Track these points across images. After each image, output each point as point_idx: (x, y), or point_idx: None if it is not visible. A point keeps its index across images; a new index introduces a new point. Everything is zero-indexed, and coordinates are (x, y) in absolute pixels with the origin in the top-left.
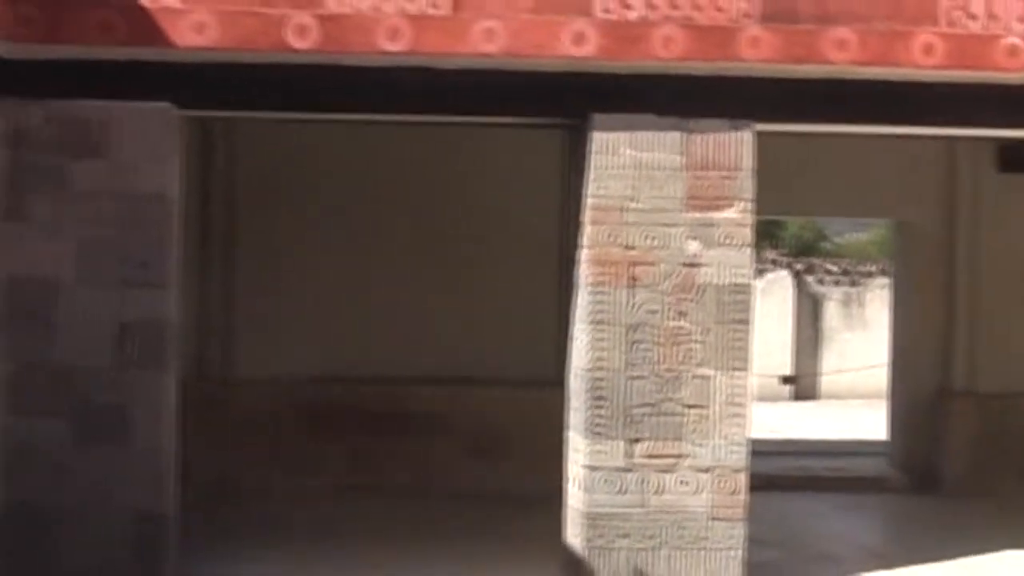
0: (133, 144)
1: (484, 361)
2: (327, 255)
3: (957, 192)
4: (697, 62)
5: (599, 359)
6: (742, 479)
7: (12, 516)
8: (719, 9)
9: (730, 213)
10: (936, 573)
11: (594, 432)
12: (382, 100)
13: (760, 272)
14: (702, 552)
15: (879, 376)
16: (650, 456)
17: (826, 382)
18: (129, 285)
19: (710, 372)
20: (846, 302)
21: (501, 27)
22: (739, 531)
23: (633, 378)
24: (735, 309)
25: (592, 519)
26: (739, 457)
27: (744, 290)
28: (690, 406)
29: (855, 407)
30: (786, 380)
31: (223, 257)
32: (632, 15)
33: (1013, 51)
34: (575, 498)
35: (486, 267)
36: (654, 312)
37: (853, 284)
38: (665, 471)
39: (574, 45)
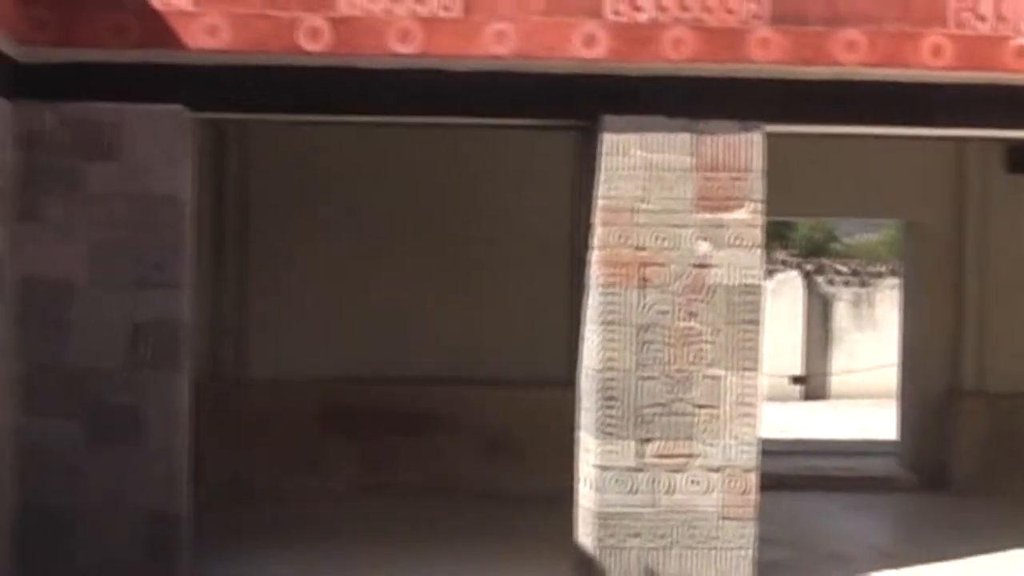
0: (146, 146)
1: (496, 362)
2: (339, 256)
3: (966, 193)
4: (707, 64)
5: (610, 359)
6: (752, 479)
7: (26, 517)
8: (729, 11)
9: (740, 214)
10: (946, 572)
11: (605, 432)
12: (393, 102)
13: (770, 273)
14: (713, 551)
15: (889, 376)
16: (661, 456)
17: (836, 382)
18: (142, 286)
19: (720, 372)
20: (856, 302)
21: (512, 29)
22: (749, 530)
23: (644, 378)
24: (745, 310)
25: (603, 519)
26: (749, 457)
27: (754, 291)
28: (701, 406)
29: (865, 407)
30: (796, 380)
31: (236, 258)
32: (642, 17)
33: (1022, 52)
34: (586, 498)
35: (497, 268)
36: (665, 313)
37: (863, 285)
38: (676, 471)
39: (585, 47)
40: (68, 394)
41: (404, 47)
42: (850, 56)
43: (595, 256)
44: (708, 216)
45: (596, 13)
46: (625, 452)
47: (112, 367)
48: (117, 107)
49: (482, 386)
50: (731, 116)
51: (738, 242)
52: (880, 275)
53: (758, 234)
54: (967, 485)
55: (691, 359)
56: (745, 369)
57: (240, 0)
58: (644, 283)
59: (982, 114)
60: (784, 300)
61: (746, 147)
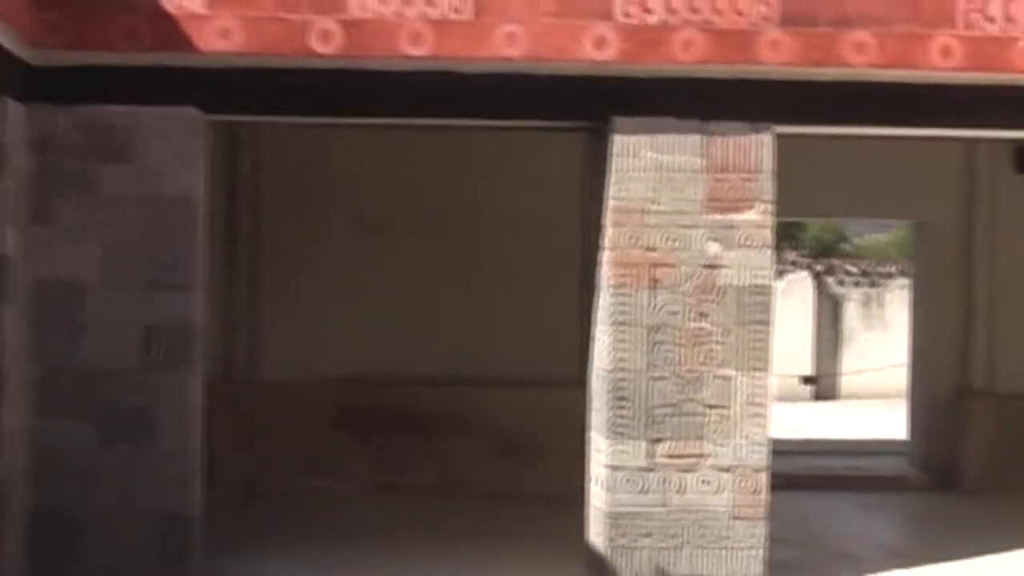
0: (159, 149)
1: (507, 362)
2: (351, 257)
3: (975, 194)
4: (717, 65)
5: (621, 360)
6: (763, 478)
7: (38, 518)
8: (739, 13)
9: (750, 215)
10: (956, 572)
11: (616, 432)
12: (405, 104)
13: (780, 273)
14: (723, 551)
15: (899, 376)
16: (672, 456)
17: (846, 382)
18: (155, 288)
19: (731, 372)
20: (866, 303)
21: (523, 31)
22: (760, 530)
23: (654, 379)
24: (755, 310)
25: (614, 518)
26: (760, 457)
27: (764, 291)
28: (711, 406)
29: (875, 407)
30: (806, 380)
31: (248, 260)
32: (652, 19)
33: None
34: (598, 498)
35: (508, 269)
36: (675, 313)
37: (873, 285)
38: (687, 471)
39: (595, 49)
40: (81, 396)
41: (415, 49)
42: (859, 57)
43: (606, 257)
44: (718, 217)
45: (606, 15)
46: (636, 452)
47: (125, 369)
48: (130, 110)
49: (493, 387)
50: (741, 117)
51: (748, 243)
52: (890, 275)
53: (768, 235)
54: (977, 485)
55: (701, 359)
56: (755, 369)
57: (252, 3)
58: (655, 284)
59: (991, 115)
60: (794, 300)
61: (756, 148)
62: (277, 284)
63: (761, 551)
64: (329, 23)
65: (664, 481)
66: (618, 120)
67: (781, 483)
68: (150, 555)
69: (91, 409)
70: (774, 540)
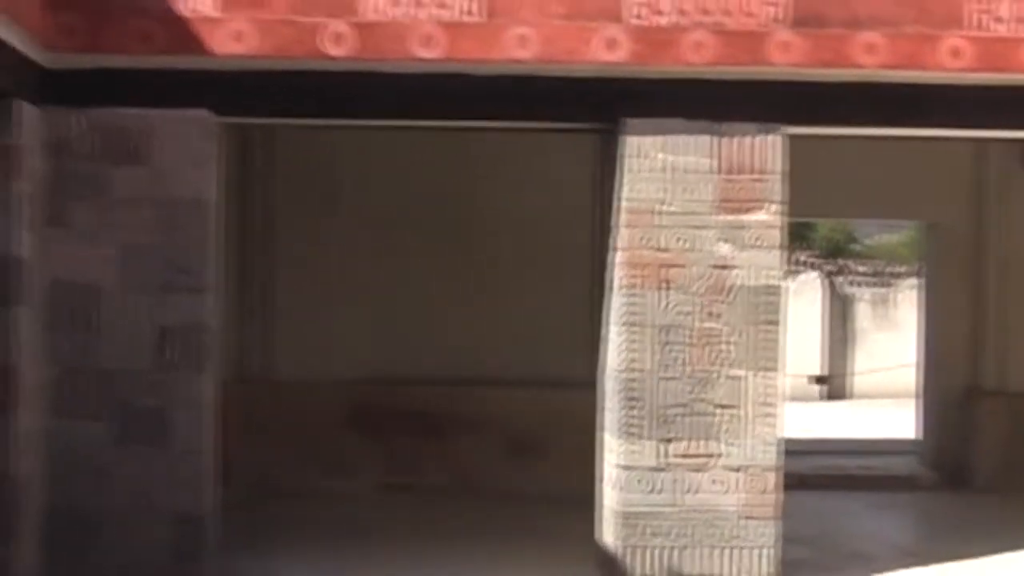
0: (173, 151)
1: (518, 363)
2: (364, 259)
3: (986, 193)
4: (727, 67)
5: (632, 360)
6: (773, 478)
7: (54, 518)
8: (749, 14)
9: (761, 215)
10: (968, 570)
11: (627, 432)
12: (416, 106)
13: (791, 274)
14: (734, 550)
15: (909, 376)
16: (683, 456)
17: (857, 382)
18: (169, 290)
19: (742, 373)
20: (876, 303)
21: (534, 33)
22: (771, 529)
23: (666, 379)
24: (766, 310)
25: (626, 518)
26: (771, 456)
27: (775, 291)
28: (722, 406)
29: (886, 406)
30: (818, 380)
31: (262, 261)
32: (663, 20)
33: None
34: (609, 497)
35: (520, 270)
36: (686, 314)
37: (883, 285)
38: (698, 470)
39: (606, 51)
40: (96, 396)
41: (427, 52)
42: (869, 58)
43: (617, 257)
44: (729, 218)
45: (617, 17)
46: (647, 452)
47: (140, 369)
48: (144, 112)
49: (505, 387)
50: (752, 118)
51: (759, 243)
52: (900, 276)
53: (779, 235)
54: (988, 483)
55: (713, 360)
56: (766, 369)
57: (265, 6)
58: (666, 284)
59: (1001, 115)
60: (805, 301)
61: (766, 149)
62: (290, 285)
63: (772, 550)
64: (341, 26)
65: (675, 481)
66: (629, 122)
67: (793, 483)
68: (164, 555)
69: (106, 410)
70: (786, 539)
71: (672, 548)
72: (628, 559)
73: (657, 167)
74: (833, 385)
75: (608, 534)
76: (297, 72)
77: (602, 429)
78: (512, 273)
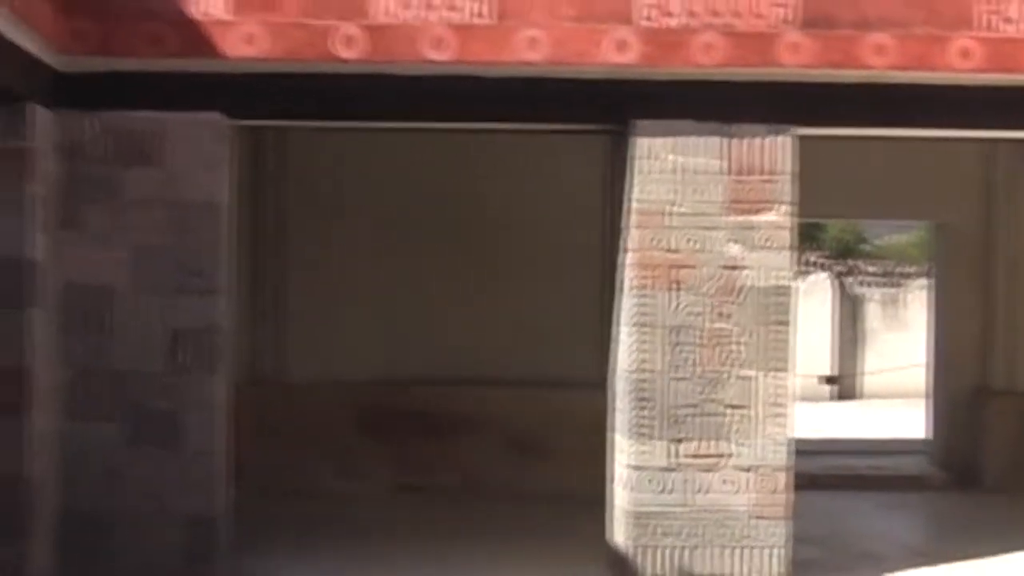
0: (185, 154)
1: (528, 364)
2: (376, 260)
3: (995, 194)
4: (737, 68)
5: (642, 361)
6: (784, 478)
7: (67, 520)
8: (758, 16)
9: (771, 216)
10: (978, 570)
11: (638, 433)
12: (427, 108)
13: (801, 274)
14: (745, 550)
15: (919, 376)
16: (693, 456)
17: (867, 382)
18: (181, 292)
19: (752, 373)
20: (886, 303)
21: (544, 36)
22: (781, 529)
23: (676, 379)
24: (776, 311)
25: (637, 518)
26: (781, 456)
27: (785, 292)
28: (732, 406)
29: (896, 406)
30: (828, 380)
31: (274, 263)
32: (673, 22)
33: None
34: (620, 498)
35: (529, 271)
36: (696, 314)
37: (893, 285)
38: (708, 471)
39: (616, 52)
40: (109, 398)
41: (438, 54)
42: (879, 59)
43: (628, 259)
44: (739, 218)
45: (627, 19)
46: (658, 452)
47: (152, 371)
48: (156, 115)
49: (514, 388)
50: (761, 119)
51: (769, 244)
52: (910, 276)
53: (788, 236)
54: (997, 483)
55: (723, 360)
56: (776, 370)
57: (276, 9)
58: (676, 285)
59: (1010, 115)
60: (815, 301)
61: (776, 150)
62: (302, 287)
63: (783, 550)
64: (352, 28)
65: (686, 481)
66: (639, 123)
67: (803, 483)
68: (176, 556)
69: (119, 411)
70: (797, 539)
71: (683, 548)
72: (639, 559)
73: (667, 168)
74: (843, 385)
75: (619, 534)
76: (308, 75)
77: (613, 429)
78: (525, 275)
